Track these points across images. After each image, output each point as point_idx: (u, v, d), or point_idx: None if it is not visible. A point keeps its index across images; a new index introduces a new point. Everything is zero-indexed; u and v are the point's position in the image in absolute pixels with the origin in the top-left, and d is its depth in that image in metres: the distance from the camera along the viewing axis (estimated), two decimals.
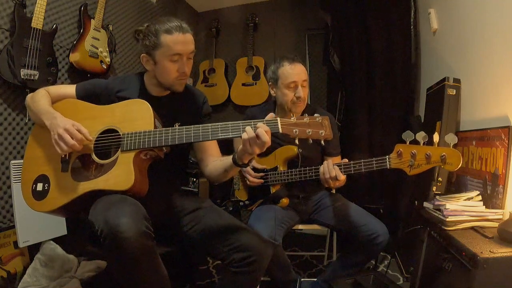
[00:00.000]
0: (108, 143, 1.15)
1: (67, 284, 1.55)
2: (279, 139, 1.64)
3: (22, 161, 1.27)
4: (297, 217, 1.64)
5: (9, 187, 1.70)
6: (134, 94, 1.29)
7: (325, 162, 1.41)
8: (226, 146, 1.44)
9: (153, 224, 1.03)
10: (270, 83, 1.67)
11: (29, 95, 1.28)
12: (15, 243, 1.62)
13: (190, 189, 2.42)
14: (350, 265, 1.57)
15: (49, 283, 1.57)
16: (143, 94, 1.31)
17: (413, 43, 2.28)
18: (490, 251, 0.96)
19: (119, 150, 1.11)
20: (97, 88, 1.31)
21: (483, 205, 1.23)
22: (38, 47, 1.72)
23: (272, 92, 1.68)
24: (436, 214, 1.27)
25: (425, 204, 1.40)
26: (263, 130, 0.99)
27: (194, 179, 2.43)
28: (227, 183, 1.67)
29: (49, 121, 1.15)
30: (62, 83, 2.01)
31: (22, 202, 1.21)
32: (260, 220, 1.48)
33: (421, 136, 1.19)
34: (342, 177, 1.37)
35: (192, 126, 1.09)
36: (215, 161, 1.28)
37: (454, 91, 1.62)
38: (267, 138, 0.99)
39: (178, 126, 1.12)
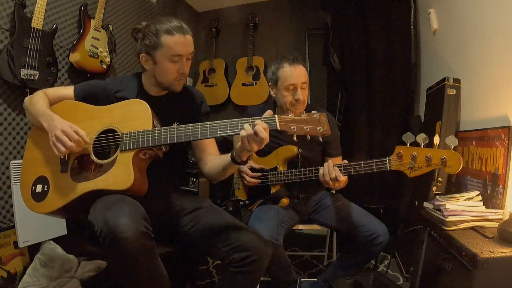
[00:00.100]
0: (107, 143, 1.15)
1: (67, 284, 1.55)
2: (279, 139, 1.64)
3: (22, 161, 1.27)
4: (297, 217, 1.64)
5: (9, 187, 1.70)
6: (133, 94, 1.29)
7: (325, 164, 1.40)
8: (224, 146, 1.44)
9: (153, 224, 1.03)
10: (270, 83, 1.67)
11: (27, 98, 1.28)
12: (15, 243, 1.62)
13: (190, 189, 2.42)
14: (350, 265, 1.57)
15: (49, 283, 1.57)
16: (142, 94, 1.31)
17: (413, 43, 2.28)
18: (490, 251, 0.96)
19: (118, 150, 1.11)
20: (95, 89, 1.31)
21: (483, 205, 1.23)
22: (38, 47, 1.72)
23: (272, 92, 1.68)
24: (436, 214, 1.27)
25: (425, 204, 1.40)
26: (261, 127, 1.00)
27: (194, 179, 2.43)
28: (227, 183, 1.68)
29: (46, 123, 1.15)
30: (62, 83, 2.01)
31: (22, 202, 1.21)
32: (261, 220, 1.48)
33: (421, 138, 1.18)
34: (342, 178, 1.36)
35: (190, 124, 1.09)
36: (213, 160, 1.29)
37: (454, 91, 1.62)
38: (265, 135, 1.00)
39: (177, 125, 1.12)
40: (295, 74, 1.55)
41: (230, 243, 1.15)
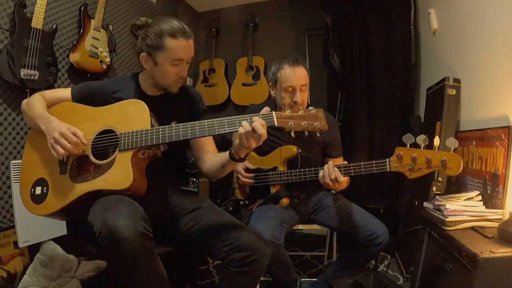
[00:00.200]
0: (106, 143, 1.15)
1: (67, 284, 1.55)
2: (279, 139, 1.64)
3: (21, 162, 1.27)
4: (297, 217, 1.64)
5: (9, 187, 1.70)
6: (130, 95, 1.29)
7: (325, 166, 1.40)
8: (224, 146, 1.44)
9: (153, 224, 1.03)
10: (270, 83, 1.67)
11: (24, 101, 1.28)
12: (15, 243, 1.62)
13: (190, 189, 2.42)
14: (350, 265, 1.57)
15: (49, 283, 1.57)
16: (139, 94, 1.31)
17: (413, 43, 2.28)
18: (490, 251, 0.96)
19: (117, 150, 1.12)
20: (92, 90, 1.31)
21: (483, 205, 1.23)
22: (38, 47, 1.72)
23: (272, 92, 1.68)
24: (436, 214, 1.27)
25: (425, 204, 1.40)
26: (259, 123, 1.00)
27: (194, 179, 2.43)
28: (227, 182, 1.68)
29: (44, 125, 1.15)
30: (62, 83, 2.01)
31: None
32: (262, 220, 1.48)
33: (421, 139, 1.18)
34: (342, 179, 1.36)
35: (188, 123, 1.09)
36: (212, 158, 1.29)
37: (454, 91, 1.62)
38: (263, 131, 1.00)
39: (175, 124, 1.12)
40: (294, 76, 1.54)
41: (230, 243, 1.14)
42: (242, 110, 3.18)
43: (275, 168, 1.59)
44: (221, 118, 1.07)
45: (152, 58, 1.22)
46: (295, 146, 1.58)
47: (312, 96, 3.03)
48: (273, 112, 1.04)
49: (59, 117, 1.18)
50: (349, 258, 1.59)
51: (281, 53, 3.13)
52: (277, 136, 1.64)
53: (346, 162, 1.41)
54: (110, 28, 2.20)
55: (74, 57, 1.99)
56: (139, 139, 1.10)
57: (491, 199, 1.25)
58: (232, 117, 1.06)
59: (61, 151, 1.09)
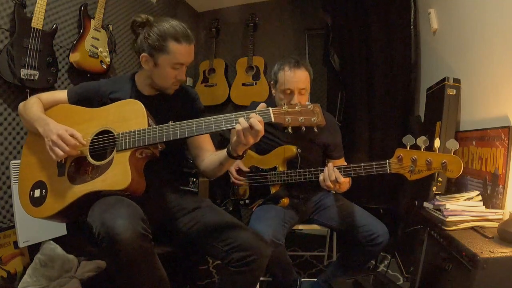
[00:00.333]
0: (104, 144, 1.15)
1: (67, 284, 1.55)
2: (279, 139, 1.64)
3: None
4: (297, 217, 1.64)
5: (9, 187, 1.70)
6: (127, 95, 1.29)
7: (325, 168, 1.39)
8: (224, 146, 1.44)
9: (152, 224, 1.03)
10: (271, 82, 1.67)
11: (21, 104, 1.28)
12: (15, 243, 1.62)
13: (190, 189, 2.42)
14: (350, 265, 1.57)
15: (49, 283, 1.57)
16: (136, 94, 1.31)
17: (413, 43, 2.28)
18: (490, 251, 0.96)
19: (114, 150, 1.11)
20: (88, 91, 1.31)
21: (483, 205, 1.23)
22: (38, 47, 1.72)
23: (272, 91, 1.68)
24: (436, 214, 1.27)
25: (425, 204, 1.40)
26: (256, 119, 1.00)
27: (194, 179, 2.43)
28: (227, 181, 1.68)
29: (42, 128, 1.15)
30: (62, 83, 2.02)
31: None
32: (262, 220, 1.48)
33: (421, 140, 1.18)
34: (343, 180, 1.35)
35: (185, 121, 1.09)
36: (210, 156, 1.29)
37: (454, 91, 1.62)
38: (260, 127, 1.00)
39: (172, 123, 1.12)
40: (293, 79, 1.52)
41: (229, 243, 1.14)
42: (242, 110, 3.15)
43: (274, 168, 1.59)
44: (218, 116, 1.07)
45: (153, 60, 1.22)
46: (295, 146, 1.58)
47: (312, 96, 3.02)
48: (270, 108, 1.04)
49: (56, 119, 1.18)
50: (349, 258, 1.59)
51: (281, 53, 3.14)
52: (277, 136, 1.64)
53: (345, 164, 1.41)
54: (110, 28, 2.20)
55: (74, 57, 1.99)
56: (136, 138, 1.10)
57: (491, 199, 1.25)
58: (229, 114, 1.06)
59: (60, 153, 1.09)
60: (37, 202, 1.16)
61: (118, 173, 1.07)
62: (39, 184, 1.18)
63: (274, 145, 1.63)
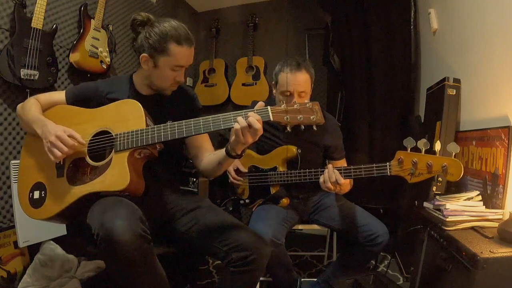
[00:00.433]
0: (102, 144, 1.15)
1: (67, 284, 1.55)
2: (279, 139, 1.64)
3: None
4: (297, 217, 1.64)
5: (9, 187, 1.70)
6: (125, 95, 1.28)
7: (325, 171, 1.38)
8: (223, 144, 1.44)
9: (152, 225, 1.03)
10: (273, 82, 1.66)
11: (20, 105, 1.28)
12: (15, 243, 1.62)
13: (190, 189, 2.42)
14: (350, 265, 1.57)
15: (49, 283, 1.57)
16: (134, 94, 1.30)
17: (413, 43, 2.28)
18: (490, 251, 0.96)
19: (113, 151, 1.11)
20: (86, 92, 1.31)
21: (483, 205, 1.23)
22: (38, 47, 1.72)
23: (273, 92, 1.67)
24: (436, 214, 1.27)
25: (425, 204, 1.40)
26: (254, 118, 1.00)
27: (194, 179, 2.43)
28: (227, 182, 1.68)
29: (40, 129, 1.15)
30: (62, 83, 2.02)
31: None
32: (263, 219, 1.48)
33: (422, 143, 1.17)
34: (343, 181, 1.35)
35: (183, 121, 1.09)
36: (209, 156, 1.29)
37: (454, 91, 1.61)
38: (259, 126, 1.00)
39: (170, 123, 1.11)
40: (293, 82, 1.51)
41: (229, 243, 1.14)
42: (242, 110, 3.18)
43: (275, 168, 1.59)
44: (216, 115, 1.06)
45: (153, 61, 1.21)
46: (295, 146, 1.58)
47: (312, 96, 3.01)
48: (269, 107, 1.03)
49: (54, 120, 1.18)
50: (349, 258, 1.59)
51: (281, 53, 3.14)
52: (277, 136, 1.65)
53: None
54: (110, 28, 2.20)
55: (74, 57, 1.99)
56: (134, 139, 1.09)
57: (491, 199, 1.25)
58: (227, 113, 1.05)
59: (58, 154, 1.09)
60: (36, 203, 1.16)
61: (117, 174, 1.07)
62: (38, 186, 1.18)
63: (274, 145, 1.63)
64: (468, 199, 1.25)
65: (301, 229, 1.79)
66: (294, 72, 1.52)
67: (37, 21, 1.71)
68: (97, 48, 2.10)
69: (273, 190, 1.58)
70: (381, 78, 2.40)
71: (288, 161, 1.60)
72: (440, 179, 1.54)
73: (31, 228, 1.61)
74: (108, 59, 2.16)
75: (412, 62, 2.29)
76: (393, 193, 2.20)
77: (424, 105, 2.04)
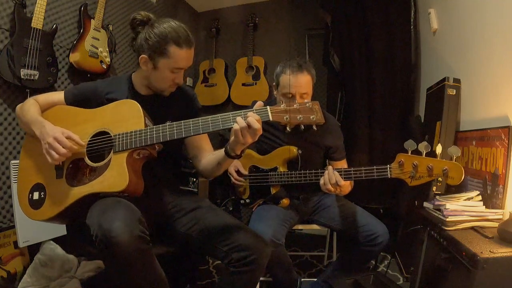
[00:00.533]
0: (101, 145, 1.15)
1: (67, 284, 1.55)
2: (279, 139, 1.64)
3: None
4: (297, 217, 1.64)
5: (9, 187, 1.70)
6: (124, 95, 1.28)
7: (325, 172, 1.38)
8: (223, 145, 1.44)
9: (152, 225, 1.03)
10: (274, 83, 1.66)
11: (19, 106, 1.27)
12: (15, 243, 1.62)
13: (190, 189, 2.42)
14: (350, 265, 1.57)
15: (49, 283, 1.57)
16: (133, 94, 1.30)
17: (413, 43, 2.28)
18: (490, 251, 0.96)
19: (112, 151, 1.11)
20: (85, 92, 1.30)
21: (483, 205, 1.23)
22: (38, 47, 1.72)
23: (274, 93, 1.67)
24: (436, 214, 1.27)
25: (425, 204, 1.40)
26: (253, 118, 0.99)
27: (194, 179, 2.43)
28: (227, 182, 1.68)
29: (38, 130, 1.14)
30: (62, 83, 2.01)
31: None
32: (263, 219, 1.48)
33: (423, 146, 1.17)
34: (343, 183, 1.34)
35: (182, 121, 1.08)
36: (208, 156, 1.28)
37: (454, 91, 1.62)
38: (258, 126, 0.99)
39: (169, 123, 1.11)
40: (295, 84, 1.51)
41: (229, 243, 1.14)
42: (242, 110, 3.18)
43: (275, 169, 1.59)
44: (215, 115, 1.05)
45: (153, 62, 1.20)
46: (296, 147, 1.58)
47: (313, 96, 3.01)
48: (268, 107, 1.03)
49: (53, 121, 1.17)
50: (349, 258, 1.59)
51: (281, 53, 3.14)
52: (278, 136, 1.65)
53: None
54: (110, 28, 2.20)
55: (74, 57, 1.99)
56: (133, 139, 1.09)
57: (491, 199, 1.25)
58: (226, 113, 1.04)
59: (56, 156, 1.08)
60: (36, 204, 1.16)
61: (116, 175, 1.07)
62: (38, 187, 1.18)
63: (275, 145, 1.63)
64: (468, 199, 1.25)
65: (301, 229, 1.79)
66: (296, 74, 1.52)
67: (37, 21, 1.71)
68: (97, 48, 2.09)
69: (273, 190, 1.58)
70: (381, 78, 2.40)
71: (289, 162, 1.60)
72: (440, 179, 1.53)
73: (31, 228, 1.61)
74: (108, 59, 2.16)
75: (412, 62, 2.29)
76: (393, 193, 2.20)
77: (424, 105, 2.04)
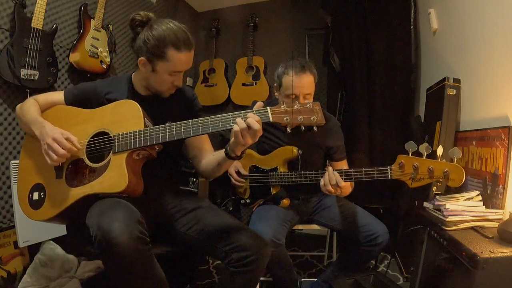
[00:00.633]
0: (100, 146, 1.14)
1: (67, 284, 1.55)
2: (280, 140, 1.64)
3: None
4: (297, 217, 1.64)
5: (9, 187, 1.70)
6: (123, 95, 1.27)
7: (325, 174, 1.37)
8: (223, 145, 1.44)
9: (151, 225, 1.02)
10: (275, 84, 1.65)
11: (18, 106, 1.27)
12: (15, 243, 1.62)
13: (190, 189, 2.42)
14: (350, 265, 1.58)
15: (49, 283, 1.57)
16: (132, 94, 1.30)
17: (413, 43, 2.28)
18: (490, 251, 0.96)
19: (111, 152, 1.11)
20: (85, 92, 1.30)
21: (483, 205, 1.22)
22: (38, 47, 1.72)
23: (276, 94, 1.67)
24: (436, 214, 1.27)
25: (425, 204, 1.39)
26: (253, 119, 0.98)
27: (194, 179, 2.43)
28: (227, 182, 1.68)
29: (38, 131, 1.14)
30: (62, 83, 2.02)
31: None
32: (263, 220, 1.48)
33: (424, 147, 1.17)
34: (343, 184, 1.34)
35: (182, 122, 1.08)
36: (208, 156, 1.28)
37: (454, 91, 1.62)
38: (258, 127, 0.98)
39: (169, 124, 1.10)
40: (299, 85, 1.50)
41: (229, 243, 1.14)
42: (242, 110, 3.18)
43: (275, 169, 1.59)
44: (215, 116, 1.05)
45: (151, 65, 1.19)
46: (296, 147, 1.58)
47: (313, 96, 3.02)
48: (268, 108, 1.02)
49: (52, 121, 1.17)
50: (349, 258, 1.59)
51: (281, 53, 3.14)
52: (278, 136, 1.65)
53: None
54: (110, 28, 2.20)
55: (74, 57, 1.99)
56: (133, 140, 1.09)
57: (491, 199, 1.25)
58: (226, 114, 1.04)
59: (54, 157, 1.08)
60: (36, 205, 1.16)
61: (115, 175, 1.06)
62: (38, 187, 1.18)
63: (275, 145, 1.63)
64: (468, 199, 1.24)
65: (301, 229, 1.79)
66: (299, 75, 1.51)
67: (37, 21, 1.71)
68: (97, 48, 2.10)
69: (273, 191, 1.58)
70: (381, 78, 2.40)
71: (289, 162, 1.60)
72: (441, 180, 1.54)
73: (31, 228, 1.61)
74: (108, 59, 2.16)
75: (412, 62, 2.29)
76: (393, 193, 2.20)
77: (424, 105, 2.04)
